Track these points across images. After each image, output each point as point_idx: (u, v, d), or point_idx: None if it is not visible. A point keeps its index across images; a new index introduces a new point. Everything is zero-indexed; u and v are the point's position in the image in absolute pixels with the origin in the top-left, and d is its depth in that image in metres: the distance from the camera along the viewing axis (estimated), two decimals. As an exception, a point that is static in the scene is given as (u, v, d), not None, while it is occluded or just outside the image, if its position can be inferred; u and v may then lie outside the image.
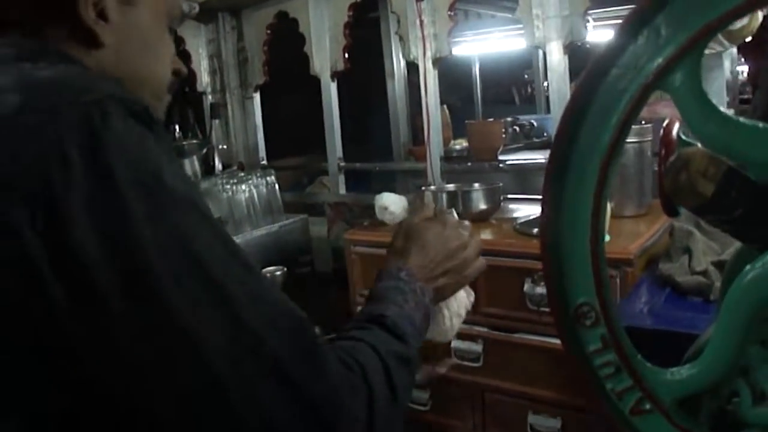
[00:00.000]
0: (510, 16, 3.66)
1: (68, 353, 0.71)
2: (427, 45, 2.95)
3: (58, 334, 0.70)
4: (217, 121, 3.51)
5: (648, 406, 0.91)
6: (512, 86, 6.11)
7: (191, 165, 3.15)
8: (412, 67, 3.35)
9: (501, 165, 3.04)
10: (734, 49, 3.07)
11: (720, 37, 2.29)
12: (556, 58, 2.66)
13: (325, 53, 3.31)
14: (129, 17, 0.91)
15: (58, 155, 0.69)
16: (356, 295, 2.58)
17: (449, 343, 1.29)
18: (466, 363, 2.29)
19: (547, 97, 3.42)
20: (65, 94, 0.74)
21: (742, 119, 0.80)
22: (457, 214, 1.34)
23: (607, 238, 1.98)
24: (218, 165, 3.37)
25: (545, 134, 3.97)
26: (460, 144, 3.52)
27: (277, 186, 3.30)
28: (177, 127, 3.21)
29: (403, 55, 3.22)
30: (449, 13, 2.91)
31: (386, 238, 2.38)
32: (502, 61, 5.19)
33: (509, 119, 4.01)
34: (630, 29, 0.82)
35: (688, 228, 1.86)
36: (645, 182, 2.36)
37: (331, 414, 0.77)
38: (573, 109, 0.87)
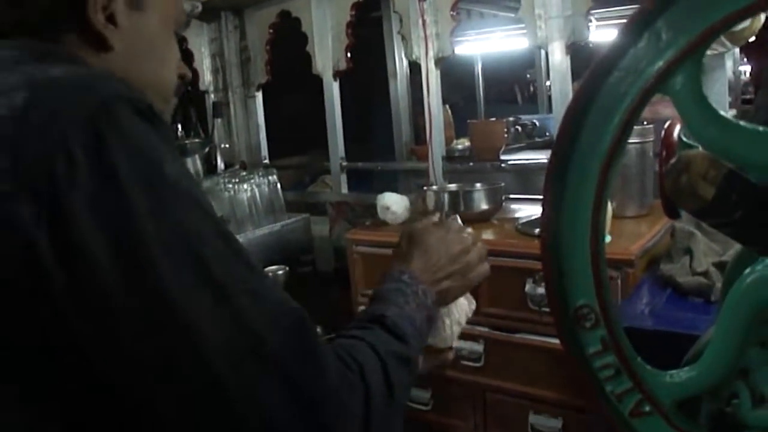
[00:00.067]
0: (512, 15, 3.66)
1: (75, 351, 0.72)
2: (430, 44, 2.95)
3: (65, 332, 0.71)
4: (219, 120, 3.51)
5: (648, 408, 0.92)
6: (515, 86, 6.11)
7: (193, 164, 3.14)
8: (414, 67, 3.35)
9: (503, 165, 3.04)
10: (737, 50, 3.06)
11: (722, 38, 2.29)
12: (559, 58, 2.65)
13: (327, 52, 3.31)
14: (137, 22, 0.93)
15: (63, 153, 0.70)
16: (358, 294, 2.58)
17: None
18: (467, 363, 2.29)
19: (550, 97, 3.42)
20: (71, 92, 0.75)
21: (742, 123, 0.81)
22: (459, 214, 1.34)
23: (608, 238, 1.98)
24: (220, 164, 3.37)
25: (547, 134, 3.96)
26: (462, 144, 3.52)
27: (279, 185, 3.30)
28: (179, 125, 3.21)
29: (406, 55, 3.21)
30: (452, 12, 2.91)
31: (388, 237, 2.41)
32: (504, 60, 5.19)
33: (511, 119, 4.00)
34: (631, 32, 0.82)
35: (689, 229, 1.86)
36: (647, 183, 2.35)
37: (331, 414, 0.77)
38: (574, 111, 0.87)
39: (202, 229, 0.75)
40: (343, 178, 3.50)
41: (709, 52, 0.83)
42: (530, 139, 3.99)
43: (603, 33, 3.42)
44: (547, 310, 2.03)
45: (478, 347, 2.27)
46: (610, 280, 0.94)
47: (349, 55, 3.26)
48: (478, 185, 2.66)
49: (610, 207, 2.04)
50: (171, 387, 0.73)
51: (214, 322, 0.72)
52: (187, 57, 3.57)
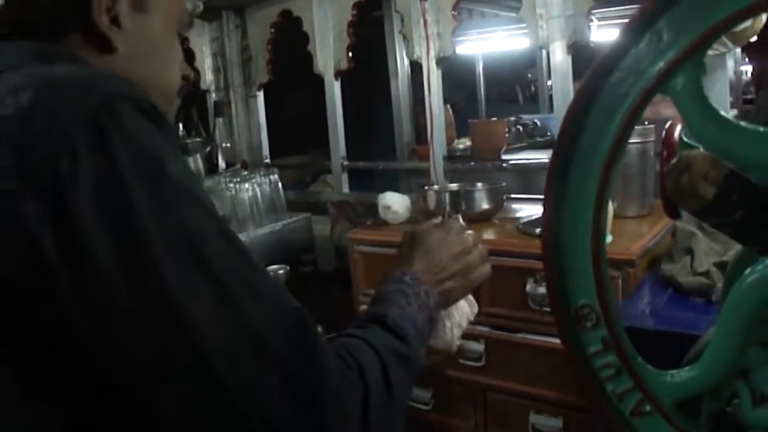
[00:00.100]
0: (514, 15, 3.66)
1: (80, 351, 0.72)
2: (431, 44, 2.95)
3: (69, 331, 0.72)
4: (220, 119, 3.51)
5: (648, 408, 0.92)
6: (516, 85, 6.10)
7: (194, 163, 3.14)
8: (415, 66, 3.35)
9: (504, 164, 3.04)
10: (738, 50, 3.06)
11: (723, 38, 2.28)
12: (560, 57, 2.66)
13: (328, 52, 3.32)
14: (141, 24, 0.94)
15: (68, 152, 0.71)
16: (359, 294, 2.58)
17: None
18: (468, 362, 2.29)
19: (551, 97, 3.41)
20: (75, 91, 0.76)
21: (742, 123, 0.81)
22: (460, 213, 1.34)
23: (609, 238, 1.98)
24: (221, 163, 3.37)
25: (548, 134, 3.96)
26: (464, 143, 3.52)
27: (280, 184, 3.30)
28: (180, 125, 3.21)
29: (407, 54, 3.21)
30: (453, 12, 2.91)
31: (389, 237, 2.41)
32: (505, 60, 5.18)
33: (512, 118, 4.00)
34: (632, 32, 0.82)
35: (690, 229, 1.86)
36: (648, 183, 2.35)
37: (331, 414, 0.77)
38: (576, 111, 0.87)
39: (204, 228, 0.76)
40: (345, 177, 3.50)
41: (710, 52, 0.83)
42: (531, 138, 3.99)
43: (604, 33, 3.42)
44: (548, 309, 2.03)
45: (479, 347, 2.27)
46: (611, 279, 0.94)
47: (350, 54, 3.27)
48: (479, 185, 2.67)
49: (611, 207, 2.04)
50: (171, 387, 0.73)
51: (215, 322, 0.72)
52: (189, 56, 3.58)
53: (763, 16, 2.36)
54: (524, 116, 4.19)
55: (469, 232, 1.22)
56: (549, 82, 4.33)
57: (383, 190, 2.71)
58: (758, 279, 0.84)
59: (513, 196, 2.83)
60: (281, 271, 2.24)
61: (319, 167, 3.94)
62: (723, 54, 2.65)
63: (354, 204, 3.37)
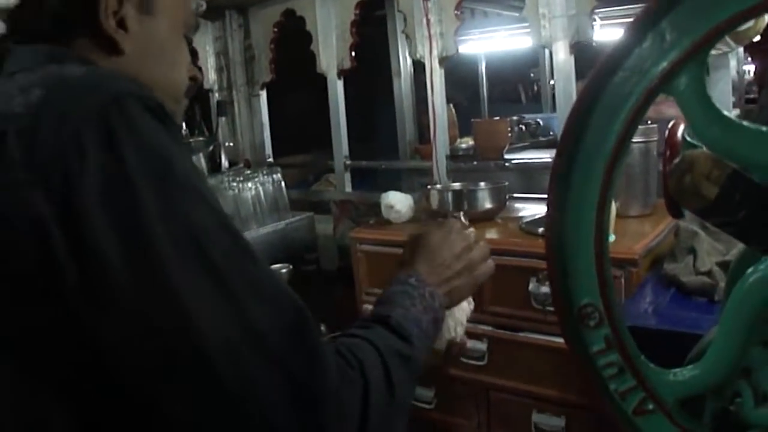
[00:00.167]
0: (516, 15, 3.66)
1: (88, 350, 0.73)
2: (434, 43, 2.96)
3: (76, 329, 0.73)
4: (223, 118, 3.51)
5: (651, 407, 0.92)
6: (518, 85, 6.09)
7: (197, 162, 3.14)
8: (418, 66, 3.35)
9: (507, 164, 3.05)
10: (740, 49, 3.06)
11: (726, 38, 2.29)
12: (563, 57, 2.66)
13: (331, 51, 3.32)
14: (147, 27, 0.96)
15: (76, 149, 0.72)
16: (362, 293, 2.59)
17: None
18: (471, 361, 2.29)
19: (554, 96, 3.42)
20: (84, 90, 0.78)
21: (745, 123, 0.81)
22: (463, 213, 1.34)
23: (612, 238, 1.98)
24: (224, 162, 3.38)
25: (551, 133, 3.96)
26: (466, 142, 3.52)
27: (283, 183, 3.30)
28: (184, 124, 3.21)
29: (410, 54, 3.22)
30: (456, 11, 2.91)
31: (392, 236, 2.42)
32: (508, 59, 5.17)
33: (515, 118, 3.99)
34: (636, 33, 0.83)
35: (693, 228, 1.86)
36: (650, 182, 2.35)
37: (330, 413, 0.77)
38: (579, 111, 0.87)
39: (210, 228, 0.76)
40: (347, 176, 3.50)
41: (713, 52, 0.83)
42: (534, 138, 3.99)
43: (607, 32, 3.42)
44: (551, 308, 2.02)
45: (482, 346, 2.27)
46: (613, 279, 0.94)
47: (353, 53, 3.27)
48: (482, 184, 2.67)
49: (613, 206, 2.04)
50: (174, 386, 0.74)
51: (218, 322, 0.73)
52: (192, 55, 3.57)
53: (766, 16, 2.36)
54: (527, 116, 4.19)
55: (471, 229, 1.22)
56: (551, 82, 4.34)
57: (386, 190, 2.71)
58: (761, 278, 0.85)
59: (516, 195, 2.83)
60: (284, 270, 2.26)
61: (322, 166, 3.94)
62: (726, 53, 2.65)
63: (357, 203, 3.37)
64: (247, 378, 0.73)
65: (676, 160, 0.89)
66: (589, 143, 0.87)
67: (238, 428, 0.73)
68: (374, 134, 4.86)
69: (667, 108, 2.27)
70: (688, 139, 0.98)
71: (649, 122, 2.33)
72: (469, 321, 1.25)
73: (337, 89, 3.37)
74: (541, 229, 2.23)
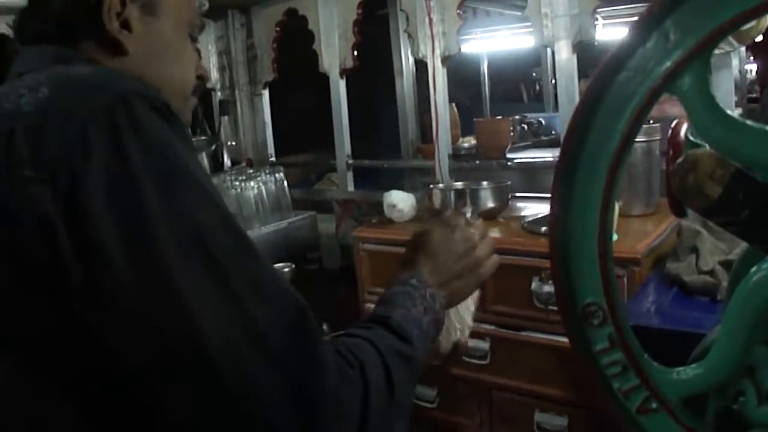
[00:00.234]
0: (519, 14, 3.67)
1: (91, 348, 0.74)
2: (436, 43, 2.96)
3: (81, 327, 0.73)
4: (225, 117, 3.51)
5: (654, 405, 0.92)
6: (520, 84, 6.10)
7: (201, 161, 3.15)
8: (420, 65, 3.35)
9: (509, 163, 3.05)
10: (743, 48, 3.06)
11: (729, 37, 2.29)
12: (565, 56, 2.66)
13: (334, 50, 3.32)
14: (151, 27, 0.97)
15: (81, 147, 0.73)
16: (364, 292, 2.59)
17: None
18: (473, 361, 2.29)
19: (556, 95, 3.42)
20: (91, 89, 0.79)
21: (749, 122, 0.81)
22: (471, 209, 1.33)
23: (615, 237, 1.98)
24: (227, 161, 3.38)
25: (553, 132, 3.97)
26: (469, 142, 3.53)
27: (285, 183, 3.30)
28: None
29: (412, 53, 3.22)
30: (458, 11, 2.92)
31: (394, 235, 2.42)
32: (510, 58, 5.18)
33: (517, 117, 4.00)
34: (640, 32, 0.83)
35: (695, 227, 1.86)
36: (653, 181, 2.36)
37: (329, 413, 0.78)
38: (583, 110, 0.88)
39: (213, 227, 0.77)
40: (350, 175, 3.51)
41: (715, 51, 0.83)
42: (536, 137, 3.99)
43: (609, 31, 3.42)
44: (553, 308, 2.03)
45: (484, 345, 2.28)
46: (616, 278, 0.94)
47: (355, 53, 3.27)
48: (484, 183, 2.67)
49: (616, 205, 2.04)
50: (175, 386, 0.74)
51: (220, 322, 0.73)
52: (195, 55, 3.58)
53: (769, 16, 2.36)
54: (529, 115, 4.19)
55: (479, 222, 1.21)
56: (553, 81, 4.34)
57: (388, 189, 2.71)
58: (764, 277, 0.85)
59: (518, 194, 2.83)
60: (286, 269, 2.25)
61: (325, 165, 3.94)
62: (728, 53, 2.65)
63: (359, 202, 3.37)
64: (248, 378, 0.73)
65: (680, 160, 0.89)
66: (593, 143, 0.88)
67: (238, 428, 0.74)
68: (376, 133, 4.86)
69: (670, 107, 2.27)
70: (691, 138, 0.98)
71: (651, 121, 2.33)
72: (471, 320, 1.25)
73: (339, 88, 3.37)
74: (543, 228, 2.23)
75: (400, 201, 2.63)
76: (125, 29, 0.94)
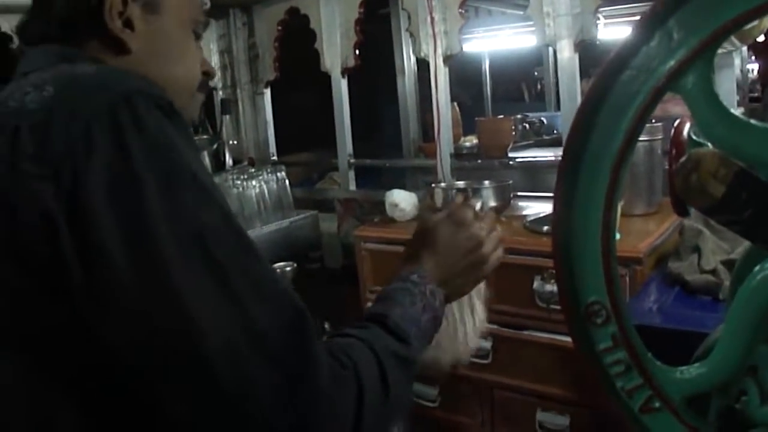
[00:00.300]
0: (521, 13, 3.66)
1: (91, 347, 0.74)
2: (438, 42, 2.96)
3: (82, 326, 0.73)
4: (227, 116, 3.52)
5: (657, 404, 0.92)
6: (522, 83, 6.09)
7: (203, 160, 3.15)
8: (422, 64, 3.35)
9: (511, 162, 3.05)
10: (744, 48, 3.06)
11: (731, 36, 2.29)
12: (567, 55, 2.66)
13: (335, 50, 3.32)
14: (154, 25, 0.98)
15: (85, 145, 0.73)
16: (366, 291, 2.59)
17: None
18: (475, 360, 2.29)
19: (557, 94, 3.42)
20: (94, 87, 0.79)
21: (753, 121, 0.81)
22: (481, 202, 1.31)
23: (617, 236, 1.98)
24: (228, 160, 3.38)
25: (555, 131, 3.96)
26: (470, 141, 3.53)
27: (287, 182, 3.30)
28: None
29: (414, 52, 3.22)
30: (460, 10, 2.92)
31: (396, 234, 2.42)
32: (512, 58, 5.18)
33: (519, 116, 4.00)
34: (643, 31, 0.83)
35: (697, 227, 1.86)
36: (655, 181, 2.36)
37: (322, 414, 0.78)
38: (586, 109, 0.87)
39: (214, 226, 0.77)
40: (351, 174, 3.51)
41: (717, 51, 0.83)
42: (538, 136, 3.99)
43: (611, 31, 3.42)
44: (555, 307, 2.04)
45: (486, 344, 2.27)
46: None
47: (357, 52, 3.28)
48: (486, 182, 2.68)
49: (618, 205, 2.05)
50: (174, 386, 0.74)
51: (218, 322, 0.73)
52: (197, 54, 3.58)
53: (771, 15, 2.36)
54: (530, 114, 4.19)
55: (487, 216, 1.20)
56: (554, 79, 4.34)
57: (390, 188, 2.72)
58: (767, 277, 0.85)
59: (520, 193, 2.83)
60: (288, 268, 2.25)
61: (326, 164, 3.94)
62: (730, 52, 2.65)
63: (361, 201, 3.37)
64: (246, 378, 0.73)
65: (683, 159, 0.89)
66: (596, 142, 0.87)
67: (236, 427, 0.74)
68: (378, 132, 4.86)
69: (672, 106, 2.27)
70: (694, 137, 0.98)
71: (653, 121, 2.33)
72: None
73: (341, 87, 3.37)
74: (545, 228, 2.24)
75: (402, 200, 2.63)
76: (128, 28, 0.95)
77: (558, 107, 3.45)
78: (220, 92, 3.79)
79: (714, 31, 0.78)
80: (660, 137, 2.33)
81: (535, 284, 2.13)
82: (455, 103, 3.40)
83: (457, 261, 1.12)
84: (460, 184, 2.80)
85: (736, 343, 0.88)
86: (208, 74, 1.11)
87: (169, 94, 0.84)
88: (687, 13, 0.80)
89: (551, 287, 2.06)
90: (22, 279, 0.75)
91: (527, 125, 4.02)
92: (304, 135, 4.17)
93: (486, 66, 5.14)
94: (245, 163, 3.58)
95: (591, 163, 0.88)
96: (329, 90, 3.41)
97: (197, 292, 0.73)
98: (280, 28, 3.54)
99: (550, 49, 4.13)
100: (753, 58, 3.52)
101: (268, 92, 3.77)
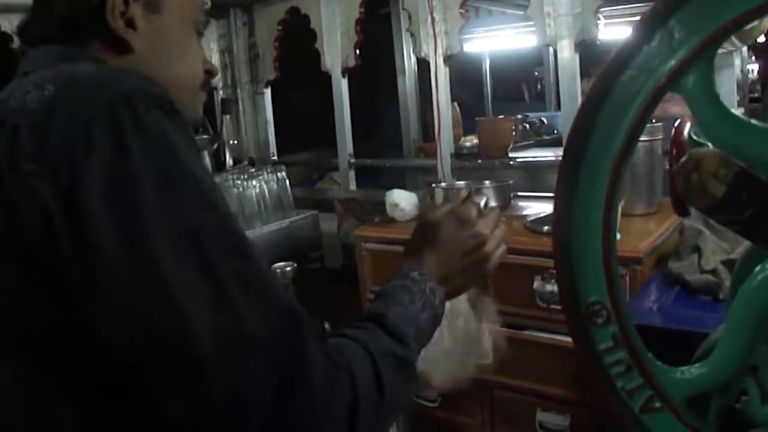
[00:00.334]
0: (521, 13, 3.66)
1: (89, 347, 0.74)
2: (438, 42, 2.96)
3: (81, 323, 0.74)
4: (227, 116, 3.52)
5: (658, 404, 0.92)
6: (522, 83, 6.09)
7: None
8: (422, 64, 3.35)
9: (511, 162, 3.05)
10: (744, 48, 3.07)
11: (731, 36, 2.29)
12: (567, 55, 2.66)
13: (336, 49, 3.32)
14: (156, 25, 0.98)
15: (84, 143, 0.73)
16: (366, 291, 2.59)
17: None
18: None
19: (558, 94, 3.42)
20: (95, 86, 0.79)
21: (753, 121, 0.81)
22: (486, 198, 1.28)
23: (618, 236, 1.98)
24: (229, 160, 3.38)
25: (555, 131, 3.96)
26: (471, 141, 3.52)
27: (287, 182, 3.29)
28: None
29: (414, 52, 3.22)
30: (460, 10, 2.92)
31: (397, 234, 2.42)
32: (512, 58, 5.18)
33: (519, 116, 4.00)
34: (644, 31, 0.83)
35: (698, 227, 1.87)
36: (655, 180, 2.36)
37: (315, 415, 0.77)
38: (587, 109, 0.87)
39: (210, 226, 0.77)
40: (352, 174, 3.51)
41: (718, 51, 0.83)
42: (538, 136, 3.99)
43: (612, 31, 3.42)
44: (556, 307, 2.04)
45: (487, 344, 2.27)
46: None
47: (357, 52, 3.27)
48: (486, 182, 2.68)
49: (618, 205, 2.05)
50: (168, 386, 0.74)
51: (212, 322, 0.73)
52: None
53: (772, 15, 2.36)
54: (531, 114, 4.19)
55: (492, 213, 1.18)
56: (554, 79, 4.34)
57: (390, 188, 2.72)
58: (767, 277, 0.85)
59: (520, 193, 2.84)
60: (288, 268, 2.25)
61: (326, 164, 3.94)
62: (730, 52, 2.65)
63: (361, 201, 3.37)
64: (239, 379, 0.73)
65: (683, 159, 0.89)
66: (597, 142, 0.87)
67: (230, 428, 0.74)
68: (378, 132, 4.86)
69: (672, 106, 2.27)
70: (694, 137, 0.98)
71: (653, 121, 2.33)
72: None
73: (341, 87, 3.38)
74: (545, 228, 2.24)
75: (402, 200, 2.63)
76: (130, 28, 0.95)
77: (558, 107, 3.45)
78: (221, 92, 3.78)
79: (715, 30, 0.78)
80: (660, 137, 2.33)
81: (536, 284, 2.13)
82: (455, 103, 3.40)
83: (459, 259, 1.10)
84: (461, 184, 2.80)
85: (737, 343, 0.88)
86: (210, 72, 1.11)
87: (172, 92, 0.84)
88: (688, 12, 0.80)
89: (552, 287, 2.06)
90: (23, 279, 0.75)
91: (527, 125, 4.02)
92: (305, 135, 4.17)
93: (486, 66, 5.13)
94: (245, 162, 3.58)
95: (591, 163, 0.88)
96: (329, 90, 3.41)
97: (190, 293, 0.73)
98: (280, 27, 3.54)
99: (551, 49, 4.13)
100: (753, 58, 3.52)
101: (268, 92, 3.77)
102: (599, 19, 2.64)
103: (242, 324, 0.74)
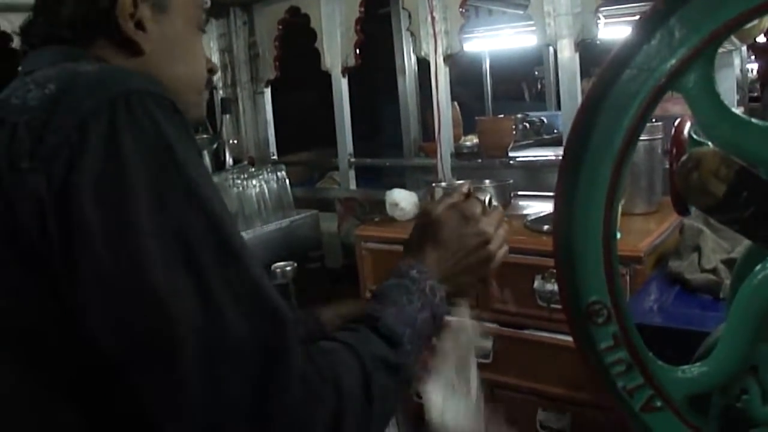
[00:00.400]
0: (521, 12, 3.66)
1: (86, 348, 0.74)
2: (439, 41, 2.96)
3: (74, 321, 0.73)
4: (227, 116, 3.52)
5: (659, 404, 0.92)
6: (522, 83, 6.09)
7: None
8: (422, 63, 3.35)
9: (511, 161, 3.05)
10: (744, 47, 3.07)
11: (731, 36, 2.29)
12: (567, 55, 2.66)
13: (336, 49, 3.32)
14: (163, 25, 0.98)
15: (80, 140, 0.74)
16: (366, 291, 2.58)
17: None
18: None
19: (558, 94, 3.42)
20: (95, 85, 0.79)
21: (754, 120, 0.81)
22: (491, 196, 1.26)
23: (618, 235, 1.98)
24: (229, 160, 3.38)
25: (555, 131, 3.97)
26: (471, 140, 3.52)
27: (287, 181, 3.30)
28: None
29: (414, 51, 3.22)
30: (461, 9, 2.92)
31: (397, 234, 2.42)
32: (512, 57, 5.18)
33: (519, 116, 4.01)
34: (644, 30, 0.82)
35: (698, 226, 1.86)
36: (655, 180, 2.36)
37: (290, 425, 0.77)
38: (587, 108, 0.87)
39: (200, 225, 0.77)
40: (352, 174, 3.51)
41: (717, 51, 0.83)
42: (538, 136, 4.00)
43: (612, 30, 3.42)
44: (556, 306, 2.03)
45: (487, 344, 2.27)
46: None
47: (357, 51, 3.28)
48: (486, 182, 2.68)
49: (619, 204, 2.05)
50: (151, 387, 0.74)
51: (194, 324, 0.73)
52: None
53: (772, 14, 2.36)
54: (531, 113, 4.19)
55: (496, 210, 1.16)
56: (555, 79, 4.34)
57: (390, 187, 2.72)
58: (768, 276, 0.85)
59: (520, 193, 2.84)
60: (288, 268, 2.25)
61: (326, 164, 3.94)
62: (730, 52, 2.65)
63: (361, 201, 3.37)
64: (216, 381, 0.73)
65: (683, 158, 0.89)
66: (597, 141, 0.87)
67: (208, 428, 0.73)
68: (378, 132, 4.87)
69: (672, 105, 2.27)
70: (695, 136, 0.98)
71: (654, 120, 2.33)
72: (473, 318, 1.23)
73: (341, 87, 3.38)
74: (546, 227, 2.24)
75: (403, 199, 2.63)
76: (140, 29, 0.95)
77: (558, 107, 3.45)
78: (221, 91, 3.78)
79: (715, 29, 0.78)
80: (660, 136, 2.33)
81: (536, 283, 2.13)
82: (455, 103, 3.40)
83: (461, 257, 1.08)
84: (461, 183, 2.79)
85: (738, 342, 0.88)
86: (211, 71, 1.11)
87: (178, 92, 0.85)
88: (688, 11, 0.80)
89: (552, 286, 2.05)
90: (23, 279, 0.75)
91: (528, 125, 4.03)
92: (305, 134, 4.17)
93: (486, 65, 5.14)
94: (245, 162, 3.58)
95: (592, 162, 0.88)
96: (329, 89, 3.41)
97: (177, 294, 0.73)
98: (280, 27, 3.55)
99: (551, 49, 4.13)
100: (753, 57, 3.52)
101: (268, 91, 3.77)
102: (599, 18, 2.64)
103: (224, 327, 0.74)
